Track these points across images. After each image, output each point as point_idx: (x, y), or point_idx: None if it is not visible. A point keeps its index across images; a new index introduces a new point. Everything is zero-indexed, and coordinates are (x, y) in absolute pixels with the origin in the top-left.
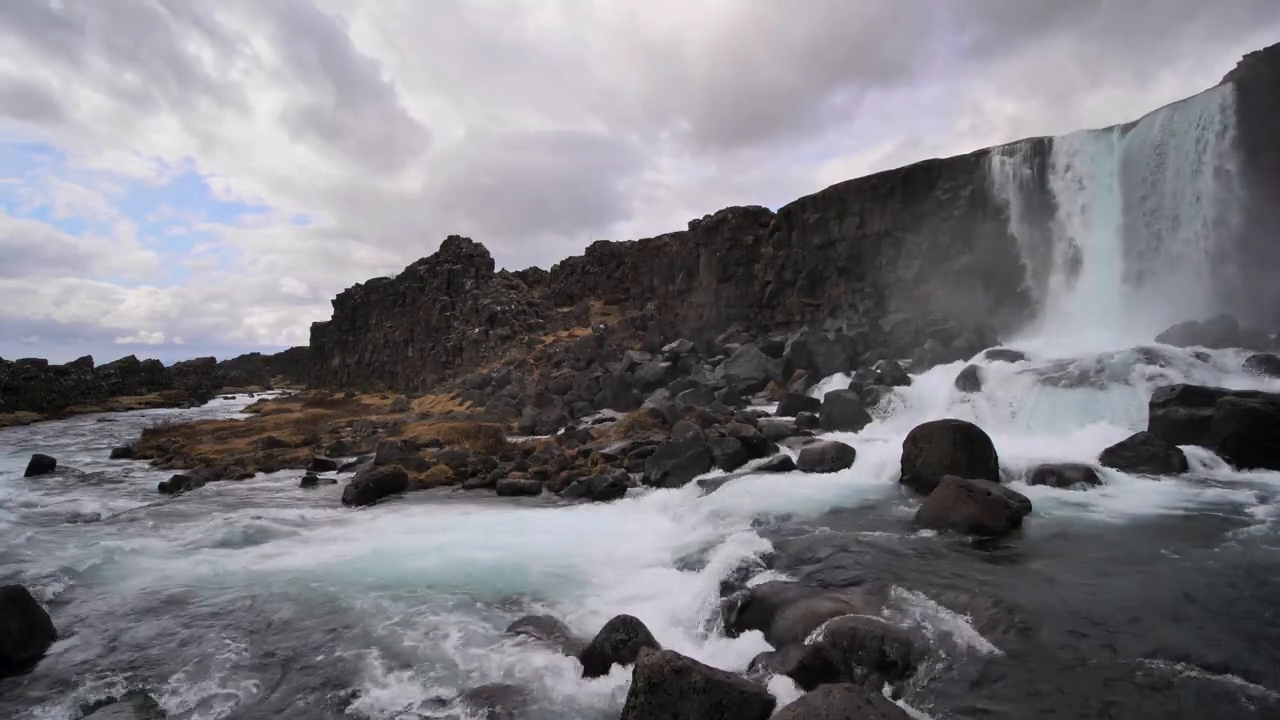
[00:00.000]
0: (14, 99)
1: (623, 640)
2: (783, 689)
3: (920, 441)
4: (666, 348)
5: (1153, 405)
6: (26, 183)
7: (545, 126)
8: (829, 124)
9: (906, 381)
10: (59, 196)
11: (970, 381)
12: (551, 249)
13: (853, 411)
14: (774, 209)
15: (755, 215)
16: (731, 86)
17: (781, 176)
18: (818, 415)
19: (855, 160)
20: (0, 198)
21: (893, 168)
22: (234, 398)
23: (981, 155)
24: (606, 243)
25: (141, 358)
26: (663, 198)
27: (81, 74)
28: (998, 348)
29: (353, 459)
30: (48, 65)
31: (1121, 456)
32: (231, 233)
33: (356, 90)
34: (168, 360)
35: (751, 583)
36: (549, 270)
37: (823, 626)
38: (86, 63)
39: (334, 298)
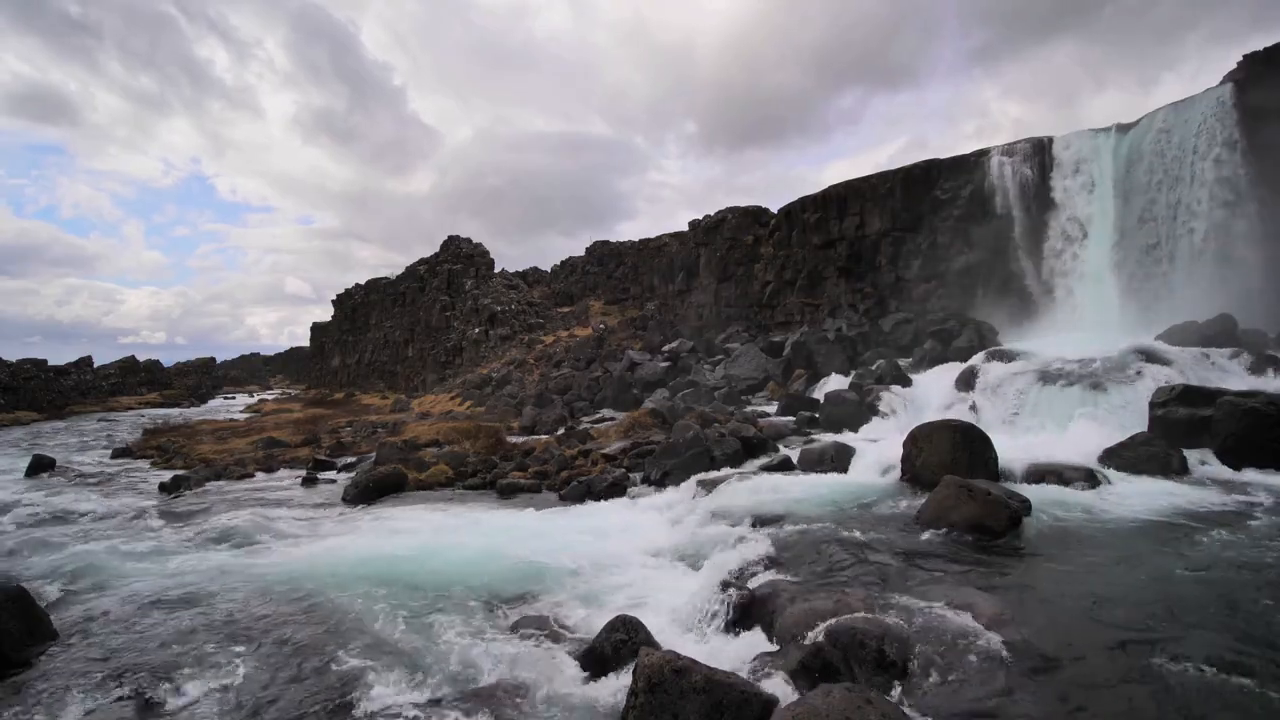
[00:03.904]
0: (29, 101)
1: (623, 640)
2: (783, 689)
3: (920, 441)
4: (666, 348)
5: (1153, 405)
6: (32, 183)
7: (551, 128)
8: (835, 126)
9: (906, 381)
10: (65, 197)
11: (970, 381)
12: (555, 249)
13: (852, 411)
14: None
15: (755, 215)
16: (738, 89)
17: (786, 177)
18: (817, 415)
19: (860, 161)
20: (8, 198)
21: (894, 167)
22: (234, 398)
23: (981, 155)
24: (606, 242)
25: (143, 358)
26: (666, 198)
27: (97, 77)
28: (998, 348)
29: (353, 459)
30: (63, 68)
31: (1121, 456)
32: (237, 233)
33: (368, 93)
34: (170, 360)
35: (751, 582)
36: (549, 270)
37: (823, 626)
38: (102, 66)
39: (334, 298)
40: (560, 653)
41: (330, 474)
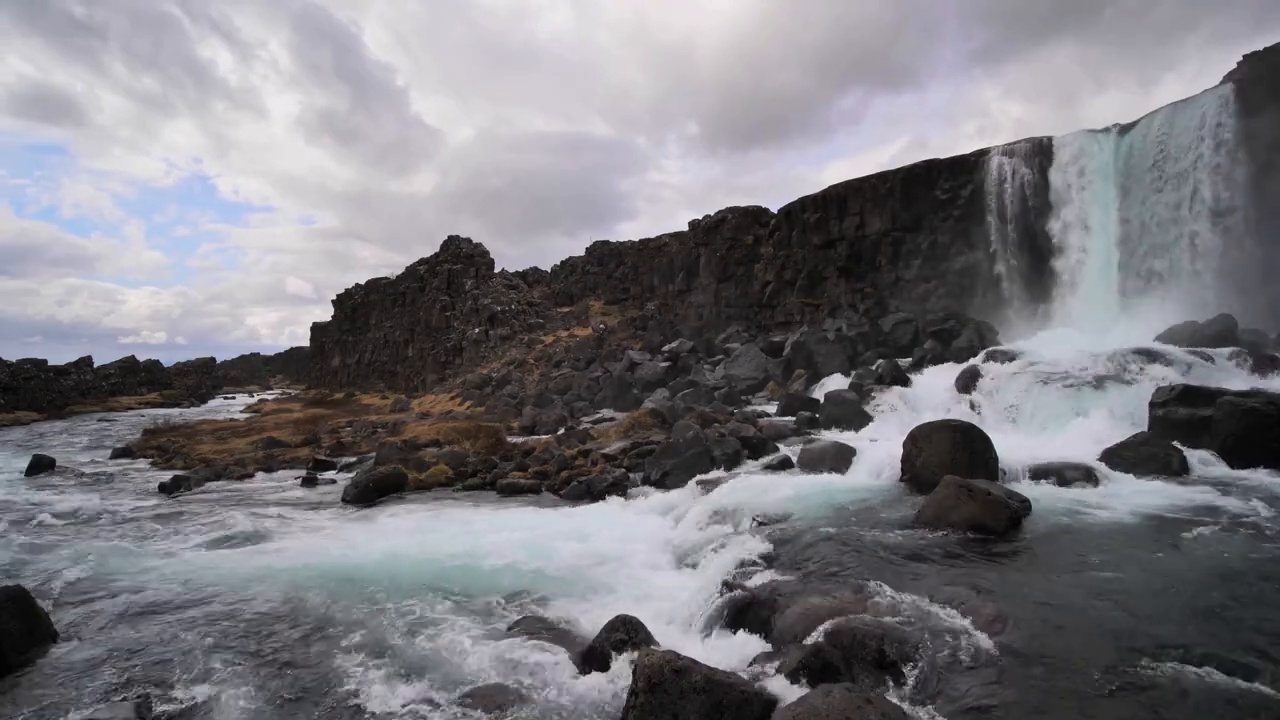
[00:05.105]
0: (33, 102)
1: (623, 640)
2: (783, 689)
3: (920, 441)
4: (666, 348)
5: (1153, 405)
6: (34, 183)
7: (552, 128)
8: (837, 126)
9: (906, 381)
10: (67, 197)
11: (970, 381)
12: (555, 249)
13: (852, 411)
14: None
15: (755, 215)
16: (741, 90)
17: (787, 177)
18: (817, 415)
19: (861, 161)
20: (9, 198)
21: (894, 167)
22: (234, 398)
23: (981, 155)
24: (606, 242)
25: (143, 358)
26: (667, 198)
27: (101, 78)
28: (997, 348)
29: (352, 459)
30: (67, 69)
31: (1121, 456)
32: (238, 233)
33: (371, 94)
34: (170, 360)
35: (751, 582)
36: (549, 270)
37: (822, 626)
38: (106, 67)
39: (334, 298)
40: (560, 652)
41: (330, 474)
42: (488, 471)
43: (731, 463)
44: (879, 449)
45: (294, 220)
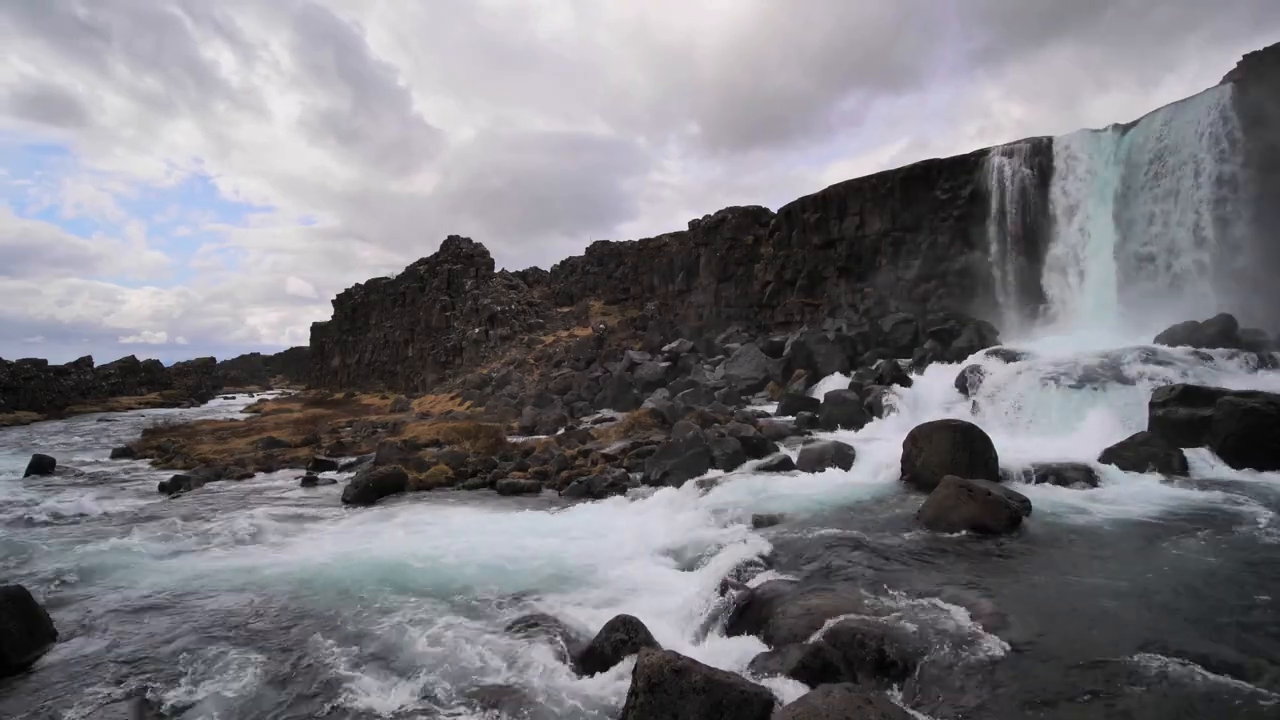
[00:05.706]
0: (35, 102)
1: (623, 640)
2: (783, 689)
3: (920, 441)
4: (666, 348)
5: (1153, 405)
6: (35, 183)
7: (552, 128)
8: (838, 127)
9: (906, 381)
10: (68, 197)
11: (970, 381)
12: (555, 249)
13: (852, 411)
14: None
15: (755, 215)
16: (742, 91)
17: (788, 177)
18: (817, 415)
19: (863, 162)
20: (10, 199)
21: (894, 167)
22: (234, 398)
23: (981, 155)
24: (606, 242)
25: (144, 358)
26: (667, 198)
27: (104, 79)
28: (997, 347)
29: (353, 459)
30: (70, 70)
31: (1121, 456)
32: (239, 233)
33: (372, 95)
34: (170, 360)
35: (751, 582)
36: (549, 270)
37: (823, 626)
38: (109, 68)
39: (334, 298)
40: (560, 652)
41: (330, 474)
42: (488, 471)
43: (731, 463)
44: (879, 449)
45: (294, 220)
